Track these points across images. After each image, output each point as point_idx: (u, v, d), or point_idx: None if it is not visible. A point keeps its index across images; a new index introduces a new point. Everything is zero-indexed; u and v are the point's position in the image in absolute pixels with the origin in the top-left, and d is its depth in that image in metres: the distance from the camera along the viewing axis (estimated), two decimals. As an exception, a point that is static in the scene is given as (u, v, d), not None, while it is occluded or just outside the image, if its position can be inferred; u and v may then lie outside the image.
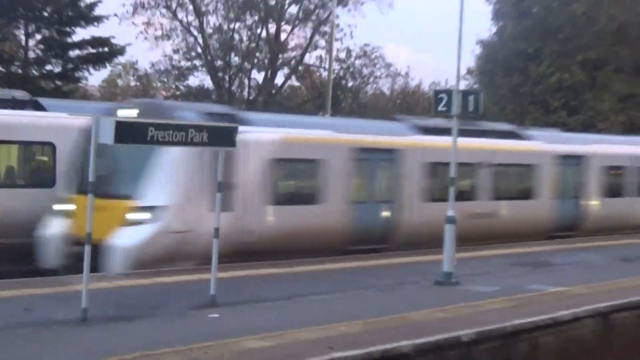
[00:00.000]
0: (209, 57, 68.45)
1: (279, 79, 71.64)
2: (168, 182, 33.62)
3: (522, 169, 45.22)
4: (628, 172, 52.91)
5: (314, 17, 69.06)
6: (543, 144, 45.91)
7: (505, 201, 43.73)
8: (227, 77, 68.58)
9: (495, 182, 43.05)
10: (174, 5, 66.87)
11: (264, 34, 68.89)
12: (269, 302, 25.28)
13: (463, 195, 41.12)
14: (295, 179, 37.71)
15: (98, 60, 62.95)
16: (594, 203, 49.44)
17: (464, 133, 38.28)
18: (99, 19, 60.67)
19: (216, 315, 22.80)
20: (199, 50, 68.75)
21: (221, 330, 20.35)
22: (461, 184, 40.32)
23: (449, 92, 31.63)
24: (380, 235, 39.69)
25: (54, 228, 31.63)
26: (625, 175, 52.88)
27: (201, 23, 67.63)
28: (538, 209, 46.24)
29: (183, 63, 69.94)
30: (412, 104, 72.03)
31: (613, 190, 51.40)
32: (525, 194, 45.53)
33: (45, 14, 58.22)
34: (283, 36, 70.24)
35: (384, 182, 39.91)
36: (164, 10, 66.49)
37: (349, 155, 36.79)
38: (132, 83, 73.12)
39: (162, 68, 70.16)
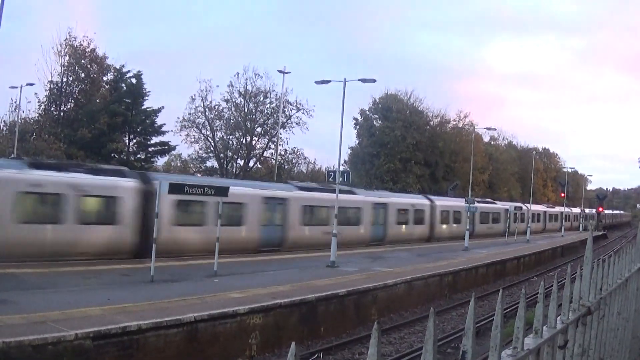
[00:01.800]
0: (216, 152, 73.16)
1: (251, 164, 75.66)
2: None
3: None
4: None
5: (269, 134, 74.42)
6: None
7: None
8: (225, 162, 73.55)
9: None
10: (200, 127, 71.84)
11: (244, 141, 73.99)
12: (244, 275, 26.88)
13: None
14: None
15: (162, 153, 69.11)
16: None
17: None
18: (163, 132, 66.41)
19: (217, 280, 24.30)
20: (212, 148, 73.38)
21: (219, 288, 22.04)
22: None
23: (335, 171, 34.72)
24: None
25: None
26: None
27: (213, 136, 72.71)
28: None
29: (204, 155, 74.43)
30: (317, 177, 73.28)
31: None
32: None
33: (138, 130, 63.85)
34: (253, 143, 74.72)
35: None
36: (195, 129, 71.67)
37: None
38: (178, 164, 76.48)
39: (193, 157, 75.05)
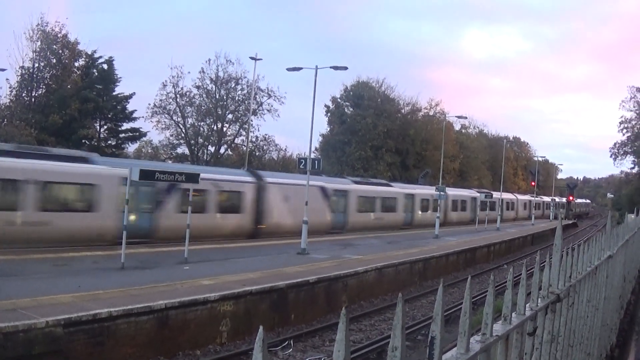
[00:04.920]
0: (187, 139, 73.23)
1: (222, 151, 75.26)
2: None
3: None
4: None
5: (240, 121, 74.34)
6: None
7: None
8: (196, 149, 73.39)
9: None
10: (171, 113, 72.10)
11: (215, 128, 73.99)
12: (214, 261, 26.96)
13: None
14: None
15: (133, 139, 68.55)
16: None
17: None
18: (134, 119, 66.16)
19: (187, 267, 24.27)
20: (183, 135, 73.45)
21: (190, 275, 22.03)
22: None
23: (305, 158, 34.49)
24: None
25: None
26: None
27: (184, 122, 72.77)
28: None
29: (174, 141, 74.43)
30: (288, 164, 74.72)
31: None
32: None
33: (109, 116, 63.51)
34: (224, 129, 74.93)
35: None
36: (166, 115, 71.83)
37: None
38: (149, 151, 75.41)
39: (164, 144, 74.83)
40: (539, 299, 4.07)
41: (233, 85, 74.64)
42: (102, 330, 15.37)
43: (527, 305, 3.82)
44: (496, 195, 77.80)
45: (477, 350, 2.69)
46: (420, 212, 63.04)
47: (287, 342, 19.84)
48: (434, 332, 2.35)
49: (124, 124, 66.93)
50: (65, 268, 22.36)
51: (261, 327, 1.74)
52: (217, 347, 18.74)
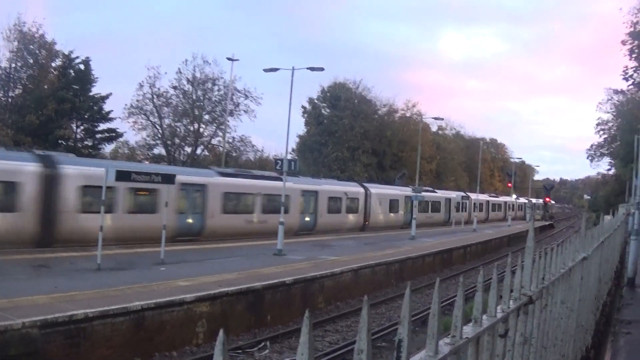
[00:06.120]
0: (164, 139, 72.81)
1: (198, 151, 74.84)
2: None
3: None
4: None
5: (217, 121, 74.12)
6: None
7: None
8: (172, 150, 73.13)
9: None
10: (148, 114, 71.55)
11: (191, 128, 73.66)
12: (190, 263, 26.88)
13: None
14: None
15: (109, 140, 68.07)
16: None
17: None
18: (111, 119, 65.74)
19: (164, 268, 24.23)
20: (159, 135, 72.96)
21: (166, 276, 21.96)
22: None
23: (282, 160, 34.38)
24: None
25: None
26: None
27: (161, 123, 72.41)
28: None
29: (151, 142, 73.68)
30: (265, 165, 71.86)
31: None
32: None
33: (86, 116, 63.04)
34: (201, 130, 74.25)
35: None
36: (143, 116, 71.22)
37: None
38: (126, 152, 74.38)
39: (141, 144, 73.99)
40: (511, 301, 4.08)
41: (210, 85, 74.41)
42: (78, 331, 15.32)
43: (499, 307, 3.82)
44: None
45: (446, 352, 2.70)
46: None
47: (263, 343, 19.83)
48: (401, 335, 2.36)
49: (101, 124, 66.44)
50: (42, 269, 22.29)
51: (221, 331, 1.74)
52: (193, 348, 18.67)
